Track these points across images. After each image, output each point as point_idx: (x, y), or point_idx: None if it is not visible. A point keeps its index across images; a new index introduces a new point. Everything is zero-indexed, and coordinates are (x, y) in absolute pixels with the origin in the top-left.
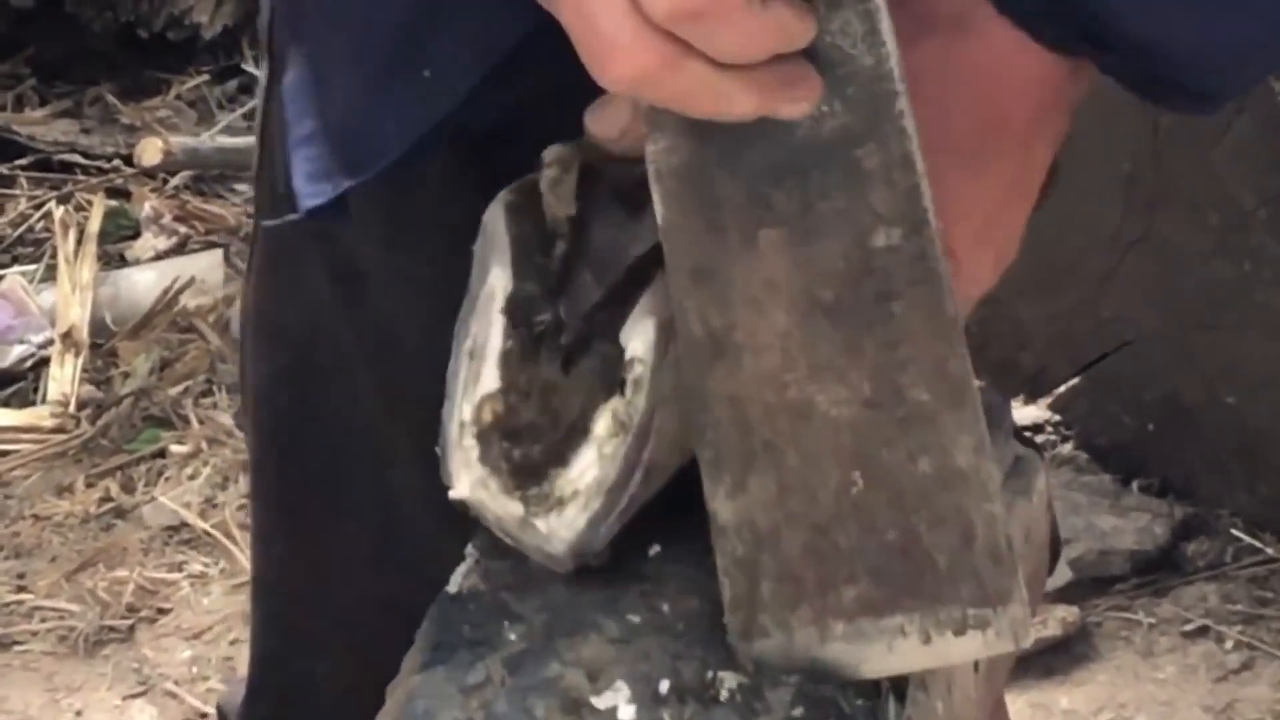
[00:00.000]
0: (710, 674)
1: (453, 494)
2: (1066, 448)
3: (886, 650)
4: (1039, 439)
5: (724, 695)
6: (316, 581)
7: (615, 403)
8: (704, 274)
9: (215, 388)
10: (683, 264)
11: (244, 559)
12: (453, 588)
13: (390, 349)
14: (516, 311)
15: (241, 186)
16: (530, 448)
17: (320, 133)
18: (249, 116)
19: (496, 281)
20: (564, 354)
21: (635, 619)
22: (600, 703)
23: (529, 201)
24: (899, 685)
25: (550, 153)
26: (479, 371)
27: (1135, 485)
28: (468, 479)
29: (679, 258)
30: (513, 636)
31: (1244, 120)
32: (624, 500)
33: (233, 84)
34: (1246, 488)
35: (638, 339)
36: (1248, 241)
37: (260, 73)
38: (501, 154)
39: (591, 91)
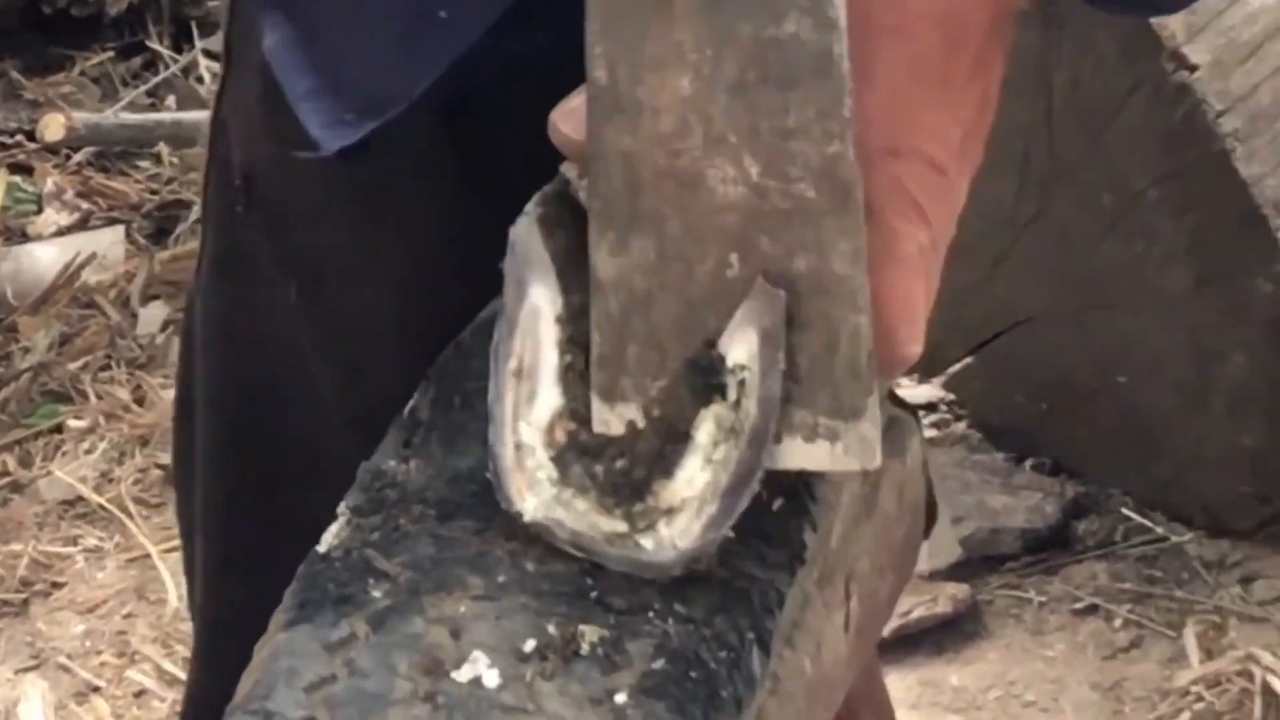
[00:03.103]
0: (572, 629)
1: (524, 518)
2: (959, 426)
3: None
4: (932, 418)
5: (585, 649)
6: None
7: (718, 409)
8: (617, 24)
9: (114, 363)
10: (599, 9)
11: (139, 534)
12: (322, 547)
13: (353, 344)
14: (569, 326)
15: (144, 163)
16: (612, 463)
17: (325, 86)
18: (153, 93)
19: (540, 298)
20: None
21: (501, 578)
22: (460, 675)
23: (560, 212)
24: (763, 638)
25: (567, 167)
26: (533, 391)
27: (1027, 464)
28: (535, 501)
29: (597, 2)
30: (378, 594)
31: (1136, 100)
32: (743, 503)
33: (137, 60)
34: (1137, 467)
35: (740, 346)
36: (1140, 221)
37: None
38: (472, 133)
39: (571, 72)
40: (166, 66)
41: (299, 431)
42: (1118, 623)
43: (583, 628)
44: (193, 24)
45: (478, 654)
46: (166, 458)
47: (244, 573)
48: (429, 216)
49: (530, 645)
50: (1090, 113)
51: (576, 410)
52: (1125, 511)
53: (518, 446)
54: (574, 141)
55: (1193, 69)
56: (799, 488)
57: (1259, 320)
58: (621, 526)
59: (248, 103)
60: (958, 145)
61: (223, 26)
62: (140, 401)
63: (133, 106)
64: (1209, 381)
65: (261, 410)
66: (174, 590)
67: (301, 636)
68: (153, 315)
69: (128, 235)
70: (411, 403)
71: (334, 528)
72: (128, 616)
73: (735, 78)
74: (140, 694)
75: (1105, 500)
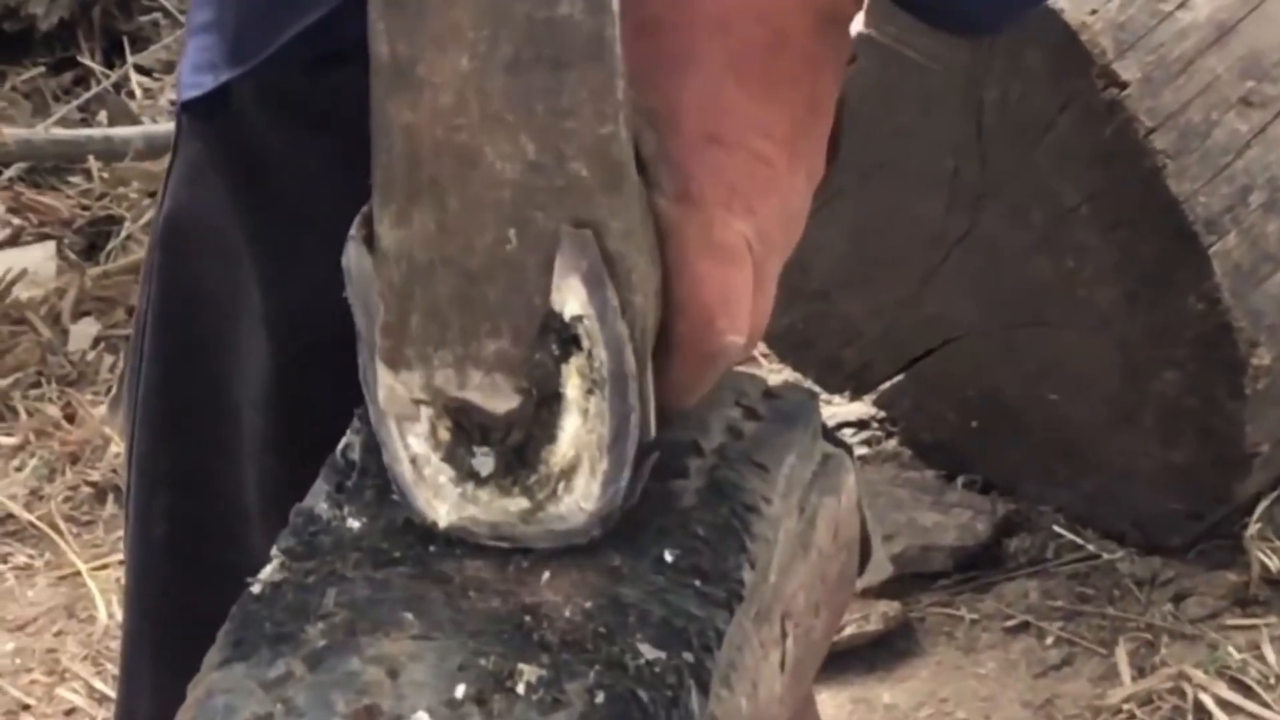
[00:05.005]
0: (509, 668)
1: (440, 525)
2: (891, 444)
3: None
4: (863, 435)
5: (522, 689)
6: (218, 541)
7: (576, 361)
8: (397, 2)
9: (45, 380)
10: None
11: (69, 551)
12: (256, 588)
13: (284, 234)
14: None
15: (75, 179)
16: (501, 444)
17: (215, 22)
18: (84, 108)
19: None
20: None
21: (438, 617)
22: None
23: None
24: (702, 679)
25: None
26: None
27: (959, 481)
28: (445, 506)
29: None
30: (314, 633)
31: (1066, 117)
32: (630, 449)
33: (69, 76)
34: (1068, 484)
35: (571, 298)
36: (1070, 238)
37: None
38: None
39: None
40: (98, 82)
41: (222, 327)
42: (1049, 640)
43: (521, 666)
44: (124, 39)
45: (420, 714)
46: (97, 475)
47: (207, 471)
48: (360, 118)
49: (468, 685)
50: (1020, 130)
51: (448, 407)
52: (1056, 529)
53: (413, 460)
54: None
55: (1123, 86)
56: (735, 525)
57: (1189, 337)
58: (525, 503)
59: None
60: (785, 141)
61: None
62: (71, 419)
63: (64, 122)
64: (1139, 398)
65: (206, 309)
66: (104, 608)
67: (237, 674)
68: (83, 332)
69: (59, 251)
70: (344, 441)
71: (267, 570)
72: (58, 634)
73: (511, 57)
74: (70, 712)
75: (1036, 518)
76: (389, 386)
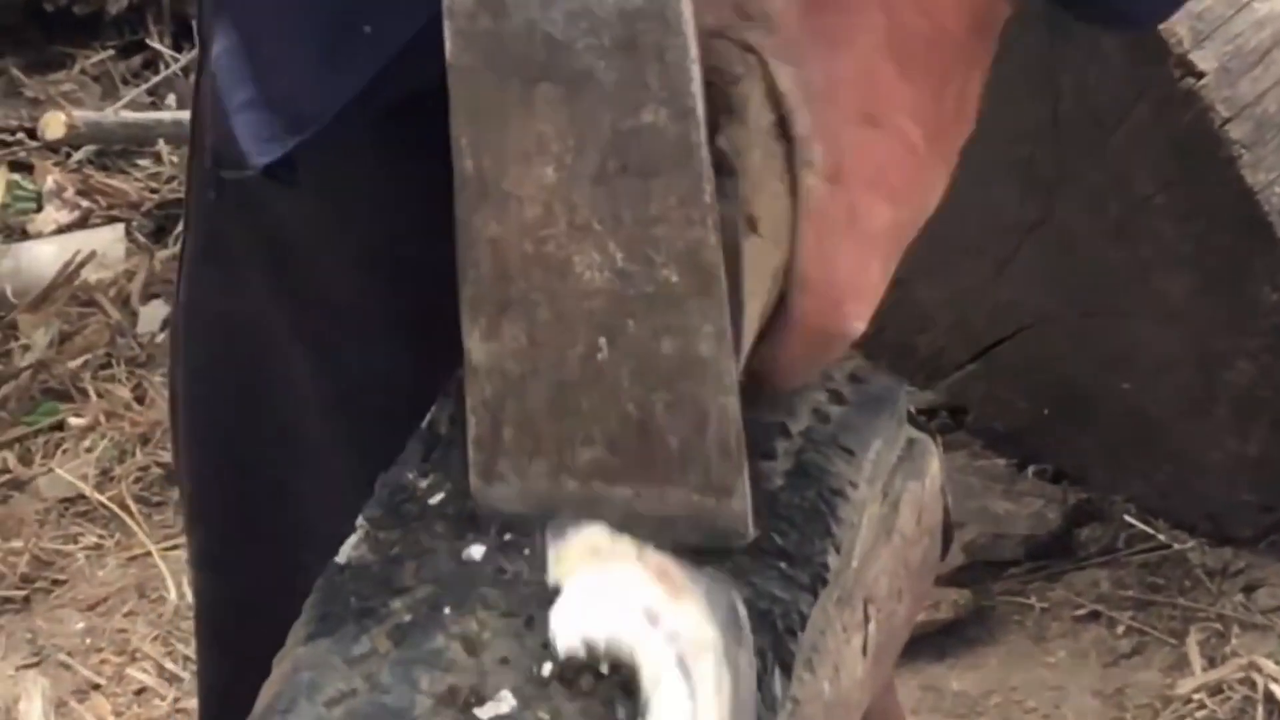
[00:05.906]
0: (595, 647)
1: None
2: (962, 432)
3: (616, 517)
4: (934, 423)
5: (607, 668)
6: (271, 602)
7: None
8: (481, 116)
9: (114, 361)
10: (463, 102)
11: (140, 532)
12: (341, 559)
13: (323, 324)
14: None
15: (144, 161)
16: None
17: (259, 98)
18: (153, 91)
19: None
20: None
21: (522, 592)
22: (484, 712)
23: None
24: (785, 661)
25: None
26: None
27: (1030, 470)
28: None
29: (460, 94)
30: (399, 607)
31: (1142, 107)
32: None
33: (137, 59)
34: (1140, 474)
35: None
36: (1145, 227)
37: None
38: (427, 118)
39: None
40: (167, 65)
41: (278, 416)
42: (1120, 630)
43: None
44: (193, 23)
45: (503, 693)
46: (167, 456)
47: (231, 558)
48: (391, 193)
49: (553, 663)
50: (1096, 118)
51: None
52: (1128, 519)
53: None
54: None
55: (1199, 75)
56: (821, 508)
57: (1263, 327)
58: None
59: (216, 87)
60: (931, 135)
61: (195, 12)
62: (141, 400)
63: (133, 105)
64: (1213, 389)
65: (240, 396)
66: (174, 588)
67: (322, 650)
68: (153, 313)
69: (128, 233)
70: (431, 415)
71: (352, 540)
72: (128, 614)
73: (597, 167)
74: (141, 691)
75: (1108, 507)
76: (485, 498)
